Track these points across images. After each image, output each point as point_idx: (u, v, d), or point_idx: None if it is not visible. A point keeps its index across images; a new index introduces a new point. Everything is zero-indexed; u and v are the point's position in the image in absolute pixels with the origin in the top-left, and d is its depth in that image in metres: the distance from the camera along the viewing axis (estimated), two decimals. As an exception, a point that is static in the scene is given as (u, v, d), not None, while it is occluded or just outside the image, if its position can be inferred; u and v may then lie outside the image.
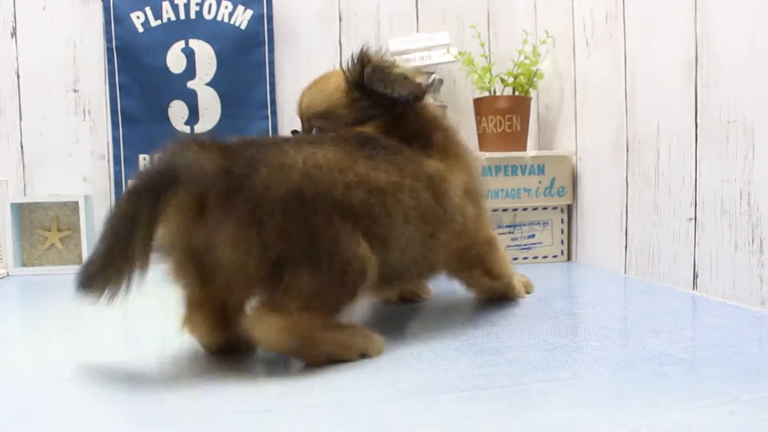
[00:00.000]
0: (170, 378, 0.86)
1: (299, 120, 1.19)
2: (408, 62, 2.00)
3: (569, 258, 1.91)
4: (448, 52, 2.00)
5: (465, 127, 2.07)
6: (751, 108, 1.18)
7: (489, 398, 0.73)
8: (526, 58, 1.95)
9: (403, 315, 1.24)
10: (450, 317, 1.21)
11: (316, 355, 0.87)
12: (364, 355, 0.91)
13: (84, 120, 2.03)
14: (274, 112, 2.04)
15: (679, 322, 1.11)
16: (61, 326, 1.24)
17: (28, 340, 1.17)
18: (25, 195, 2.00)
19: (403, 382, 0.80)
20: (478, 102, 1.99)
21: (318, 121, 1.13)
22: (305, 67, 2.08)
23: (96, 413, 0.74)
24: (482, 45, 2.02)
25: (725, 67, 1.25)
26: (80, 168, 2.04)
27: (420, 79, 1.14)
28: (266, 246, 0.82)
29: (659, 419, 0.65)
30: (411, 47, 2.06)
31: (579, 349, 0.94)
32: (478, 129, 1.99)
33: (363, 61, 1.09)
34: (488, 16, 2.17)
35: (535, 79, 1.96)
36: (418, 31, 2.14)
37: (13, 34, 2.00)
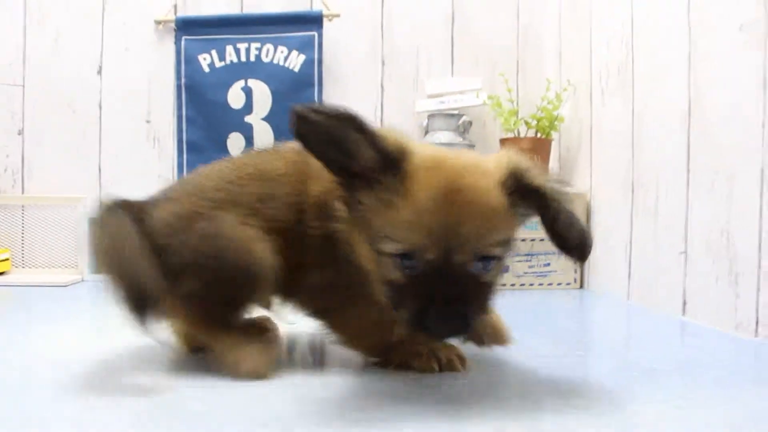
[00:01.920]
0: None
1: (424, 252, 0.82)
2: (443, 104, 2.24)
3: (581, 285, 2.10)
4: (478, 96, 2.23)
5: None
6: (733, 159, 1.38)
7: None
8: (549, 103, 2.17)
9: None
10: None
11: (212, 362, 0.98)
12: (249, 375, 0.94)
13: (154, 147, 2.31)
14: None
15: (659, 341, 1.31)
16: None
17: (98, 335, 1.41)
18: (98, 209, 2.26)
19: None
20: (503, 141, 2.21)
21: (492, 250, 0.84)
22: (350, 105, 2.31)
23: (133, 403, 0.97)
24: (509, 91, 2.24)
25: (713, 124, 1.46)
26: (148, 189, 2.28)
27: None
28: (161, 262, 0.94)
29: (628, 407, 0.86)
30: (446, 90, 2.29)
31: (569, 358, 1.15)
32: (503, 166, 2.21)
33: (535, 185, 0.85)
34: (517, 63, 2.39)
35: (556, 122, 2.17)
36: (453, 74, 2.37)
37: (99, 71, 2.29)
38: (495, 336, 1.10)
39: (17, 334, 1.37)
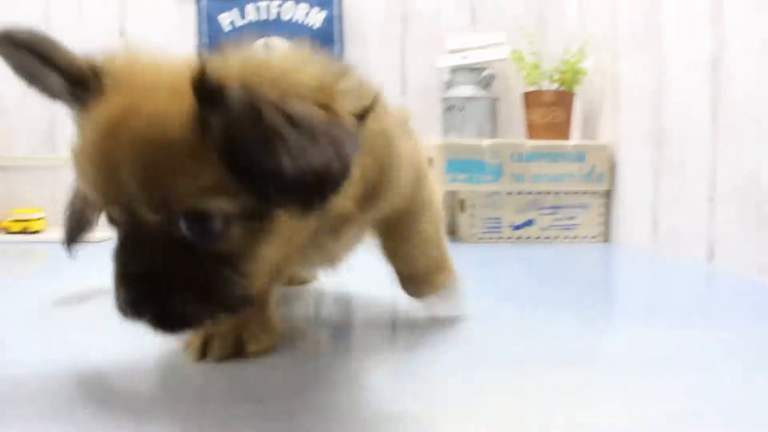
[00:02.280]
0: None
1: (110, 209, 0.61)
2: (465, 59, 2.23)
3: (607, 239, 2.10)
4: (500, 50, 2.22)
5: (515, 118, 2.29)
6: (761, 101, 1.37)
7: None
8: (571, 56, 2.15)
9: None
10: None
11: None
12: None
13: (178, 107, 2.33)
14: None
15: (683, 287, 1.32)
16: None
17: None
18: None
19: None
20: (526, 95, 2.20)
21: (192, 201, 0.56)
22: (371, 63, 2.33)
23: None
24: (532, 44, 2.22)
25: (740, 69, 1.44)
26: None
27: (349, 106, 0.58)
28: None
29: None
30: (468, 45, 2.28)
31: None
32: (526, 120, 2.20)
33: (211, 88, 0.53)
34: (539, 18, 2.37)
35: (579, 76, 2.15)
36: (474, 30, 2.35)
37: (122, 33, 2.31)
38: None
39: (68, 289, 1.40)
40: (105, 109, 0.57)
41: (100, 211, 0.64)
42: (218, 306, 0.61)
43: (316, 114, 0.54)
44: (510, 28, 2.34)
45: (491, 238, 2.07)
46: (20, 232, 2.21)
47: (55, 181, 2.34)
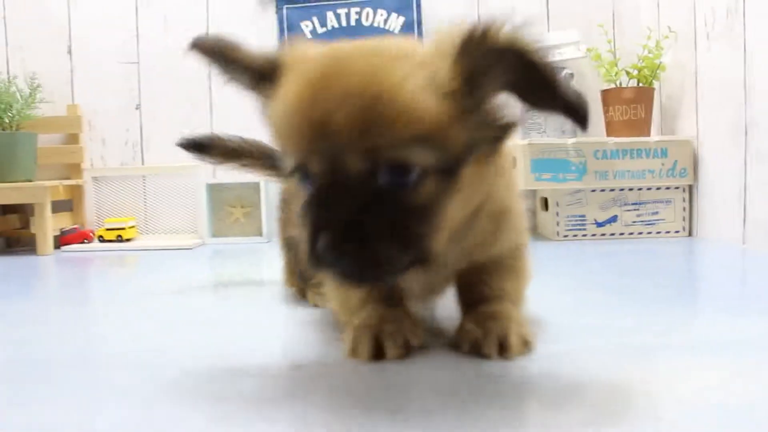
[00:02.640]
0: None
1: (307, 159, 0.66)
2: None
3: (690, 234, 2.11)
4: (579, 49, 2.24)
5: (595, 116, 2.31)
6: None
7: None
8: (649, 52, 2.16)
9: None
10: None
11: None
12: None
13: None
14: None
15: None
16: (242, 280, 1.59)
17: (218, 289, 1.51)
18: (214, 177, 2.38)
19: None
20: (605, 93, 2.22)
21: (398, 151, 0.62)
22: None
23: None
24: (609, 41, 2.24)
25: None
26: (258, 155, 2.41)
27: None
28: None
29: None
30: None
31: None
32: (605, 117, 2.22)
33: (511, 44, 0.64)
34: (613, 14, 2.39)
35: (658, 71, 2.16)
36: (549, 30, 2.38)
37: (206, 42, 2.39)
38: (505, 343, 0.79)
39: (164, 294, 1.48)
40: (307, 75, 0.65)
41: (296, 166, 0.68)
42: (411, 256, 0.66)
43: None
44: (584, 26, 2.36)
45: (576, 236, 2.10)
46: (114, 240, 2.31)
47: (144, 191, 2.43)
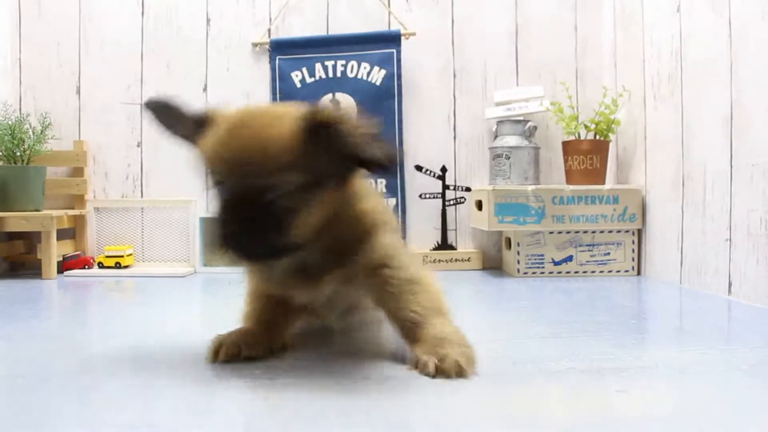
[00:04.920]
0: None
1: (223, 179, 0.99)
2: (509, 111, 2.49)
3: (639, 273, 2.33)
4: (541, 104, 2.47)
5: (556, 165, 2.55)
6: None
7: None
8: (606, 108, 2.40)
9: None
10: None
11: None
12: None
13: (254, 154, 2.62)
14: (401, 151, 2.56)
15: (704, 313, 1.55)
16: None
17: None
18: (207, 211, 2.59)
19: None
20: (565, 144, 2.45)
21: (263, 179, 0.95)
22: (426, 114, 2.60)
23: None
24: (570, 97, 2.48)
25: (753, 124, 1.68)
26: (248, 191, 2.62)
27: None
28: None
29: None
30: (511, 98, 2.54)
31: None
32: (565, 166, 2.45)
33: (329, 120, 0.96)
34: (576, 72, 2.63)
35: (613, 125, 2.40)
36: (517, 84, 2.62)
37: (204, 89, 2.62)
38: (446, 363, 1.01)
39: (157, 315, 1.68)
40: (229, 125, 0.99)
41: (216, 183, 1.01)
42: (283, 241, 0.97)
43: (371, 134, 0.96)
44: (550, 81, 2.59)
45: (535, 273, 2.31)
46: (113, 267, 2.51)
47: (142, 222, 2.63)
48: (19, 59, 2.66)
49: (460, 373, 0.99)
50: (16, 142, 2.38)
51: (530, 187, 2.30)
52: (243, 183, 0.95)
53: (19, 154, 2.40)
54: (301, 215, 0.97)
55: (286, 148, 0.94)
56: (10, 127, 2.37)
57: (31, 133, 2.43)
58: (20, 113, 2.54)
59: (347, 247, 1.08)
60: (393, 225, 1.21)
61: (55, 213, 2.39)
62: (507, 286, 2.12)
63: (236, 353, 1.10)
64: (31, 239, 2.60)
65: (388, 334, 1.24)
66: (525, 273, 2.32)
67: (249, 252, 0.98)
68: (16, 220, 2.33)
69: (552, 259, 2.32)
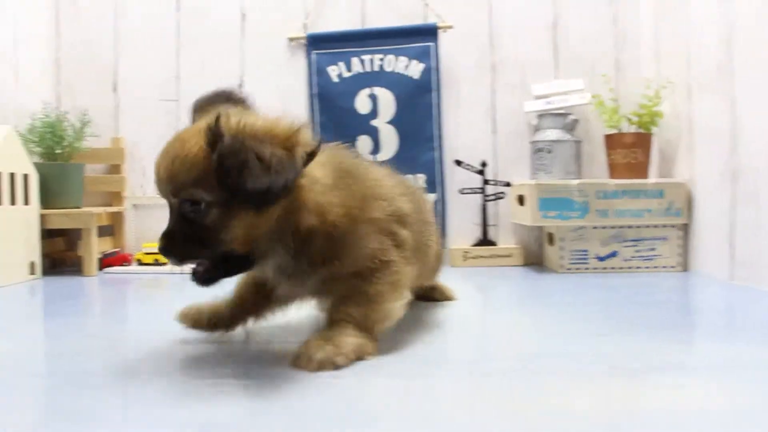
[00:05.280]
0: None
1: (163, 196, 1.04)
2: (549, 104, 2.45)
3: (685, 268, 2.28)
4: (583, 96, 2.43)
5: (595, 158, 2.51)
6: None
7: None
8: (649, 100, 2.35)
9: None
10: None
11: None
12: None
13: (291, 150, 2.61)
14: (440, 145, 2.54)
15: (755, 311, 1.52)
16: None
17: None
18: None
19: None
20: (608, 137, 2.41)
21: (177, 195, 1.00)
22: (465, 108, 2.57)
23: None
24: (611, 90, 2.44)
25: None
26: (286, 188, 2.61)
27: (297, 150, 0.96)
28: None
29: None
30: (551, 91, 2.50)
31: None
32: (608, 159, 2.41)
33: (216, 134, 0.95)
34: (615, 64, 2.58)
35: (656, 118, 2.35)
36: (556, 77, 2.58)
37: (241, 84, 2.60)
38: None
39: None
40: (165, 144, 1.04)
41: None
42: (203, 253, 1.03)
43: (277, 153, 0.94)
44: (589, 74, 2.55)
45: (578, 269, 2.28)
46: (152, 264, 2.50)
47: (180, 217, 2.63)
48: (57, 57, 2.67)
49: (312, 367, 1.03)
50: (56, 139, 2.38)
51: (574, 182, 2.26)
52: (167, 199, 1.02)
53: (59, 151, 2.40)
54: (224, 230, 0.99)
55: (192, 164, 0.97)
56: (51, 125, 2.38)
57: (70, 130, 2.43)
58: (58, 111, 2.54)
59: (321, 247, 1.08)
60: (385, 215, 1.14)
61: (95, 210, 2.39)
62: (551, 283, 2.09)
63: (201, 321, 1.27)
64: (70, 236, 2.60)
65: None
66: (568, 269, 2.29)
67: (177, 259, 1.04)
68: (58, 218, 2.33)
69: (596, 254, 2.28)
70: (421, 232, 1.31)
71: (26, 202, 2.25)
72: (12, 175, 2.17)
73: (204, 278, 1.05)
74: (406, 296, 1.17)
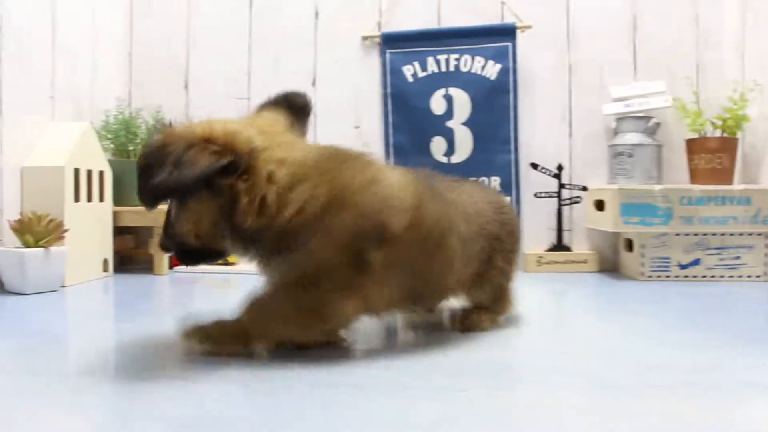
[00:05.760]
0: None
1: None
2: (629, 107, 2.39)
3: (772, 278, 2.21)
4: (666, 99, 2.37)
5: (674, 163, 2.44)
6: None
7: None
8: (734, 103, 2.28)
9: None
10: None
11: None
12: None
13: (363, 151, 2.58)
14: (516, 148, 2.49)
15: None
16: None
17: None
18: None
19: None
20: (690, 142, 2.35)
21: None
22: (541, 110, 2.52)
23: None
24: (695, 93, 2.37)
25: None
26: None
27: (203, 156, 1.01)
28: None
29: None
30: (630, 94, 2.44)
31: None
32: (690, 164, 2.34)
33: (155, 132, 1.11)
34: (697, 67, 2.51)
35: (742, 122, 2.28)
36: (635, 79, 2.51)
37: (313, 83, 2.58)
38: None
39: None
40: None
41: None
42: (170, 244, 1.16)
43: (190, 153, 0.99)
44: (669, 76, 2.48)
45: (659, 276, 2.22)
46: (220, 263, 2.49)
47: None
48: (130, 54, 2.67)
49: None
50: (130, 136, 2.38)
51: (657, 187, 2.20)
52: None
53: (132, 148, 2.40)
54: (175, 221, 1.10)
55: (156, 161, 1.01)
56: (125, 122, 2.37)
57: (144, 127, 2.42)
58: (129, 108, 2.54)
59: (271, 244, 1.08)
60: (349, 230, 1.06)
61: (166, 208, 2.38)
62: (631, 290, 2.03)
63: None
64: (140, 234, 2.60)
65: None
66: (649, 276, 2.22)
67: (161, 248, 1.22)
68: (130, 215, 2.33)
69: (678, 262, 2.22)
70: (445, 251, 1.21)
71: (101, 199, 2.25)
72: (89, 172, 2.17)
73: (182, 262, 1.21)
74: (332, 321, 1.12)
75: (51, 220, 1.95)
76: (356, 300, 1.08)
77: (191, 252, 1.14)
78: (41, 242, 1.90)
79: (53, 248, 1.92)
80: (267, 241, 1.06)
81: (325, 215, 1.04)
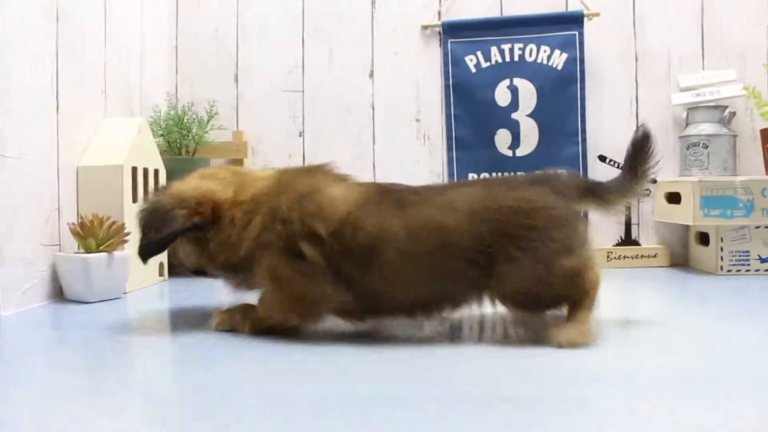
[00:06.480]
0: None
1: None
2: (699, 96, 2.32)
3: None
4: (740, 88, 2.30)
5: (746, 154, 2.37)
6: None
7: None
8: (811, 92, 2.22)
9: None
10: None
11: None
12: None
13: (424, 145, 2.50)
14: (584, 140, 2.41)
15: None
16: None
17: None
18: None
19: None
20: (765, 132, 2.28)
21: None
22: (607, 100, 2.44)
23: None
24: (769, 81, 2.31)
25: None
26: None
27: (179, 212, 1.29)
28: None
29: None
30: (699, 83, 2.37)
31: None
32: (765, 155, 2.28)
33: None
34: None
35: (819, 111, 2.22)
36: (704, 68, 2.44)
37: (371, 75, 2.49)
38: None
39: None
40: None
41: None
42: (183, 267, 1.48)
43: (176, 214, 1.26)
44: (739, 65, 2.41)
45: (739, 271, 2.15)
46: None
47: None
48: (176, 47, 2.56)
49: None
50: (183, 132, 2.28)
51: (739, 179, 2.13)
52: None
53: (186, 143, 2.30)
54: (178, 251, 1.39)
55: (146, 224, 1.33)
56: (178, 117, 2.27)
57: (196, 122, 2.32)
58: (176, 102, 2.44)
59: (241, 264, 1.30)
60: (278, 234, 1.25)
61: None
62: (710, 285, 1.95)
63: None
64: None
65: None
66: (728, 271, 2.16)
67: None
68: (187, 215, 2.23)
69: (758, 255, 2.16)
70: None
71: (159, 198, 2.16)
72: (145, 171, 2.07)
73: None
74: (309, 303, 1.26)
75: (113, 223, 1.85)
76: (314, 283, 1.22)
77: (197, 271, 1.43)
78: (103, 246, 1.80)
79: (116, 253, 1.83)
80: (240, 269, 1.30)
81: (262, 233, 1.26)
